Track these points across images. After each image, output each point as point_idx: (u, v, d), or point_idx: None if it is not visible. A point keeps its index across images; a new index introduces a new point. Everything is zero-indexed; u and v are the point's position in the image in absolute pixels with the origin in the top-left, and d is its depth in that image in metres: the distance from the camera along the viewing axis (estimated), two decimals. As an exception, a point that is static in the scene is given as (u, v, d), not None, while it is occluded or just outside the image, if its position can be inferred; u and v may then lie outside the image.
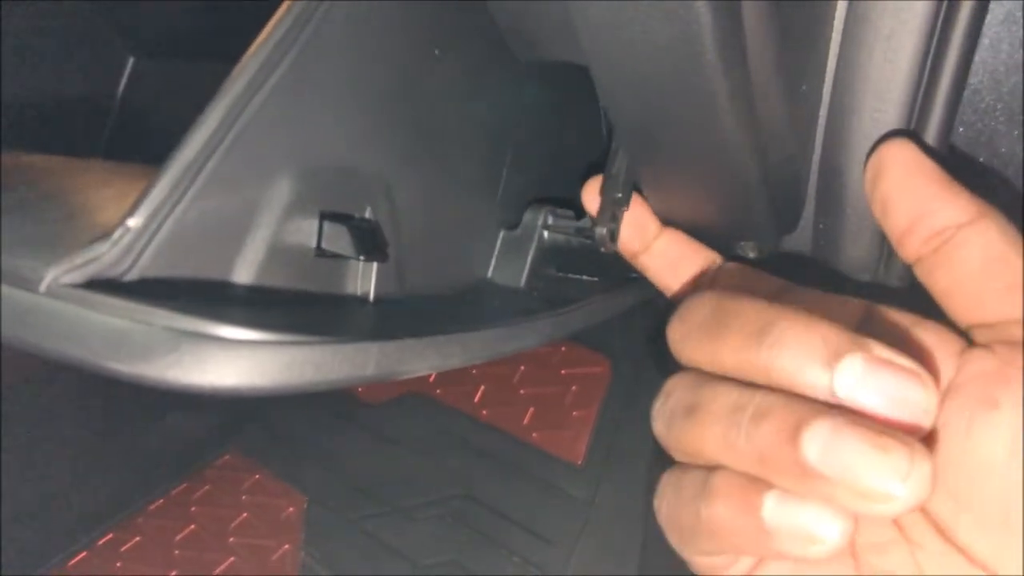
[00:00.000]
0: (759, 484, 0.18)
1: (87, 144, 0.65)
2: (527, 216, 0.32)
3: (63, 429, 0.82)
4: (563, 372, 0.82)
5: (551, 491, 0.75)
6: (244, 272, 0.19)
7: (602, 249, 0.31)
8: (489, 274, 0.31)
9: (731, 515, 0.18)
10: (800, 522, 0.17)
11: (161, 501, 0.81)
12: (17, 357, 0.76)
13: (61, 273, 0.15)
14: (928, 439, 0.19)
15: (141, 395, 0.81)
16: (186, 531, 0.78)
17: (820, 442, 0.17)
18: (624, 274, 0.34)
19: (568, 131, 0.35)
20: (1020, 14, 0.32)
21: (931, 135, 0.32)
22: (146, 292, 0.16)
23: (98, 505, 0.79)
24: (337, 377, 0.16)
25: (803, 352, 0.18)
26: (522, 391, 0.83)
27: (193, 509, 0.80)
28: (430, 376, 0.83)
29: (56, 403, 0.82)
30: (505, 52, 0.28)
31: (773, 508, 0.18)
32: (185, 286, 0.17)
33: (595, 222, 0.30)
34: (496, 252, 0.31)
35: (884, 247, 0.34)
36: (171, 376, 0.14)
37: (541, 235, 0.31)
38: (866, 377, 0.17)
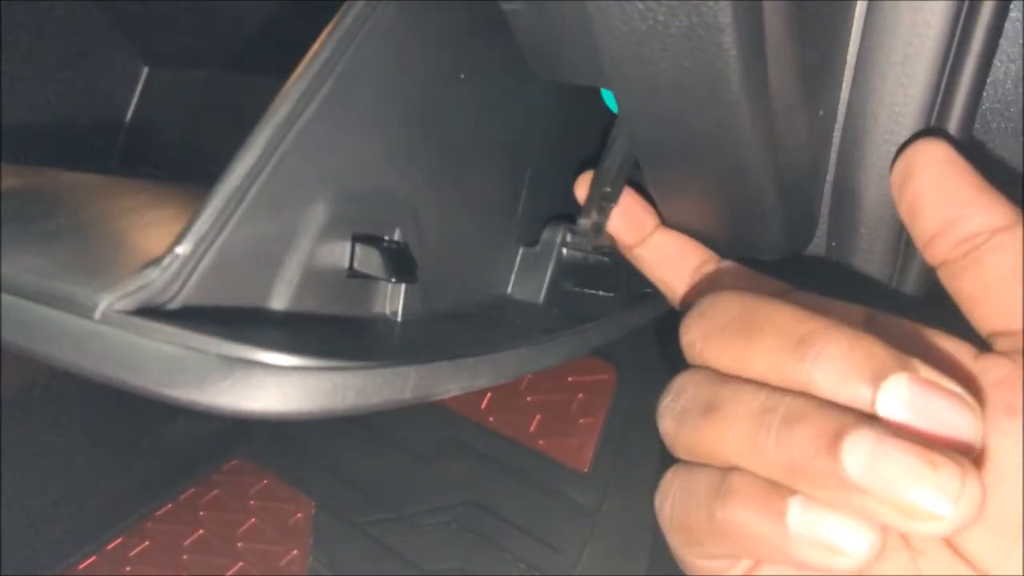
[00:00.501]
0: (783, 488, 0.17)
1: (101, 153, 0.66)
2: (546, 233, 0.32)
3: (70, 433, 0.82)
4: (570, 379, 0.83)
5: (557, 498, 0.76)
6: (281, 296, 0.20)
7: (586, 240, 0.31)
8: (509, 290, 0.31)
9: (752, 519, 0.18)
10: (828, 532, 0.17)
11: (170, 506, 0.81)
12: (21, 360, 0.76)
13: (114, 300, 0.15)
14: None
15: (147, 399, 0.82)
16: (194, 536, 0.78)
17: (863, 453, 0.16)
18: (639, 290, 0.34)
19: (584, 148, 0.36)
20: (1030, 36, 0.32)
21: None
22: (193, 318, 0.16)
23: (107, 509, 0.79)
24: (377, 401, 0.17)
25: (846, 368, 0.17)
26: (529, 398, 0.84)
27: (201, 514, 0.80)
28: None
29: (62, 407, 0.82)
30: (526, 73, 0.29)
31: (799, 515, 0.17)
32: (227, 311, 0.18)
33: (580, 213, 0.30)
34: (516, 269, 0.32)
35: (896, 264, 0.35)
36: (223, 402, 0.15)
37: (559, 252, 0.32)
38: (912, 399, 0.17)
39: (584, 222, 0.30)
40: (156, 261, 0.16)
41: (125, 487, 0.81)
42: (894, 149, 0.32)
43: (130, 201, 0.21)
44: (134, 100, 0.67)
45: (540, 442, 0.79)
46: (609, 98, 0.33)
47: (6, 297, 0.16)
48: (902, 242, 0.34)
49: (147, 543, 0.78)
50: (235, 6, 0.60)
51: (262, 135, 0.18)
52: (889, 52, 0.30)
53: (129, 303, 0.16)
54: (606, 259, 0.33)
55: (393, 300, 0.23)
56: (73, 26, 0.63)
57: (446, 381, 0.19)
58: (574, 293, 0.33)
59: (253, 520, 0.79)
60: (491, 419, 0.83)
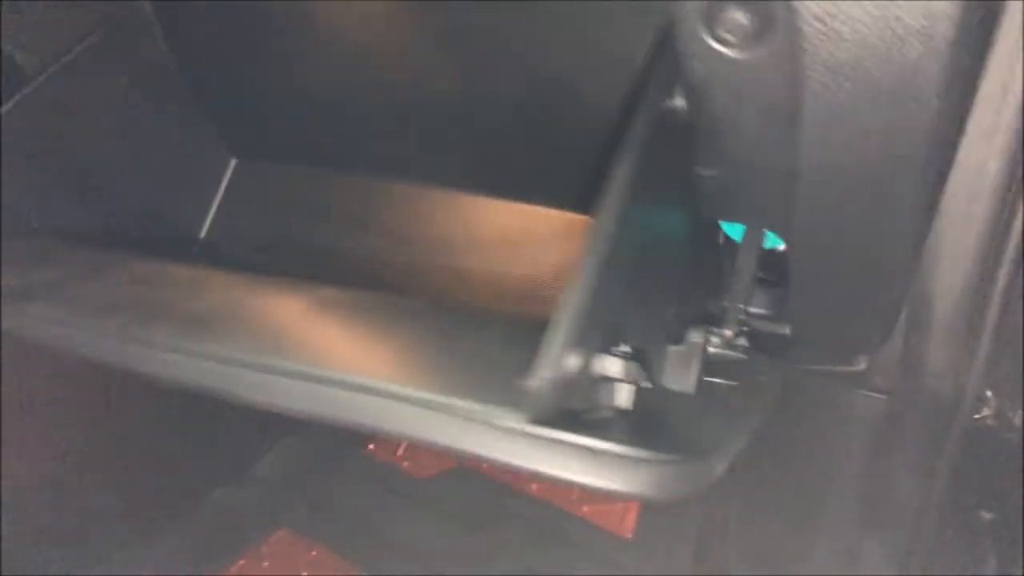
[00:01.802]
0: None
1: (186, 238, 0.70)
2: (692, 334, 0.39)
3: (117, 506, 0.83)
4: (608, 448, 0.88)
5: (602, 564, 0.80)
6: (579, 400, 0.25)
7: (730, 353, 0.39)
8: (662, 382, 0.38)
9: None
10: None
11: (221, 579, 0.82)
12: (54, 424, 0.76)
13: (524, 416, 0.21)
14: None
15: (183, 472, 0.83)
16: (249, 609, 0.79)
17: None
18: (757, 376, 0.41)
19: (707, 264, 0.43)
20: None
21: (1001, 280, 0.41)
22: (563, 423, 0.22)
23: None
24: (694, 489, 0.22)
25: None
26: (569, 466, 0.88)
27: (254, 586, 0.81)
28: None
29: (97, 484, 0.82)
30: (681, 209, 0.36)
31: None
32: (569, 416, 0.23)
33: (722, 325, 0.38)
34: (667, 364, 0.38)
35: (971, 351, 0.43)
36: (623, 489, 0.20)
37: (704, 351, 0.39)
38: None
39: (727, 334, 0.37)
40: (533, 383, 0.22)
41: (174, 561, 0.81)
42: (955, 266, 0.40)
43: (472, 328, 0.27)
44: (221, 190, 0.72)
45: (584, 509, 0.84)
46: (729, 228, 0.41)
47: (434, 414, 0.21)
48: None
49: (201, 618, 0.78)
50: (324, 105, 0.66)
51: (575, 292, 0.25)
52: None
53: (529, 416, 0.21)
54: (743, 356, 0.39)
55: (620, 397, 0.29)
56: (166, 116, 0.67)
57: (715, 473, 0.25)
58: (712, 383, 0.39)
59: (306, 592, 0.81)
60: (534, 486, 0.87)
